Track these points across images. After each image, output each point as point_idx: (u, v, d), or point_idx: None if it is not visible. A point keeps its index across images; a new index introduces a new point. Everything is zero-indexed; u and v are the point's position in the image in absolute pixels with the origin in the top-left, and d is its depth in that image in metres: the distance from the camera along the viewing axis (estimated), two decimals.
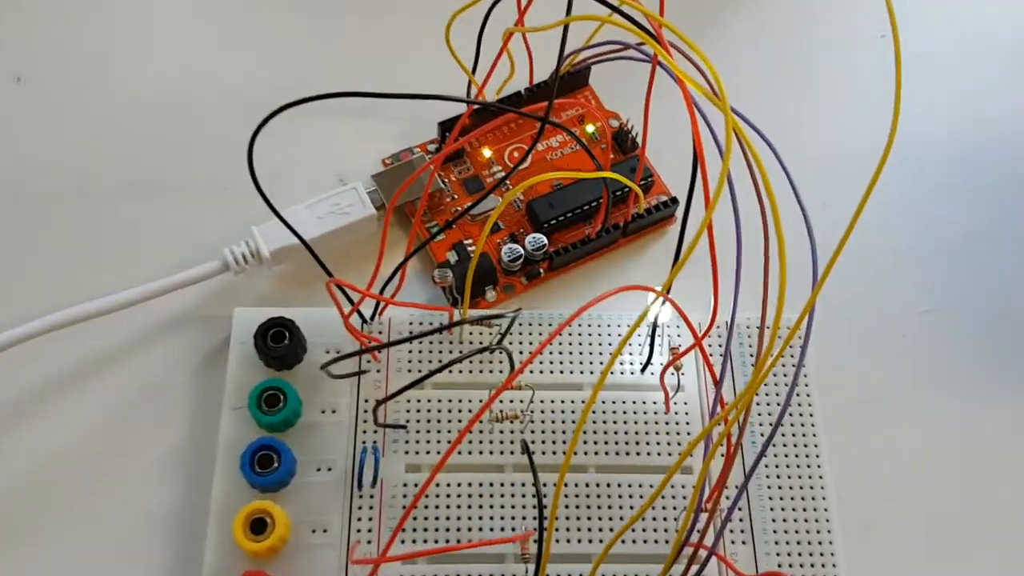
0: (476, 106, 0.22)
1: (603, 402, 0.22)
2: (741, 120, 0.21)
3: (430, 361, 0.22)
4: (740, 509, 0.21)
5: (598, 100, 0.27)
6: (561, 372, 0.22)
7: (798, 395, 0.22)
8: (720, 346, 0.23)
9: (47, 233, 0.24)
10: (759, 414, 0.22)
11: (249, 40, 0.28)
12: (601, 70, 0.27)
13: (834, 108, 0.28)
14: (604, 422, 0.22)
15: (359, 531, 0.20)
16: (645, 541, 0.21)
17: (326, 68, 0.27)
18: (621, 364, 0.23)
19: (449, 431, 0.21)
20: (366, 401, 0.22)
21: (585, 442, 0.22)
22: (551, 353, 0.23)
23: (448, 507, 0.21)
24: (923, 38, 0.29)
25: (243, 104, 0.26)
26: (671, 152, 0.26)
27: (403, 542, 0.20)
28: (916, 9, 0.29)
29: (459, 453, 0.21)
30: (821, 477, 0.21)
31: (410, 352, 0.22)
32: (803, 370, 0.22)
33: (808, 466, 0.21)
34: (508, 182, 0.25)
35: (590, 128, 0.26)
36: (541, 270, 0.24)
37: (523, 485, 0.21)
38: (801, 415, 0.22)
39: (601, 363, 0.23)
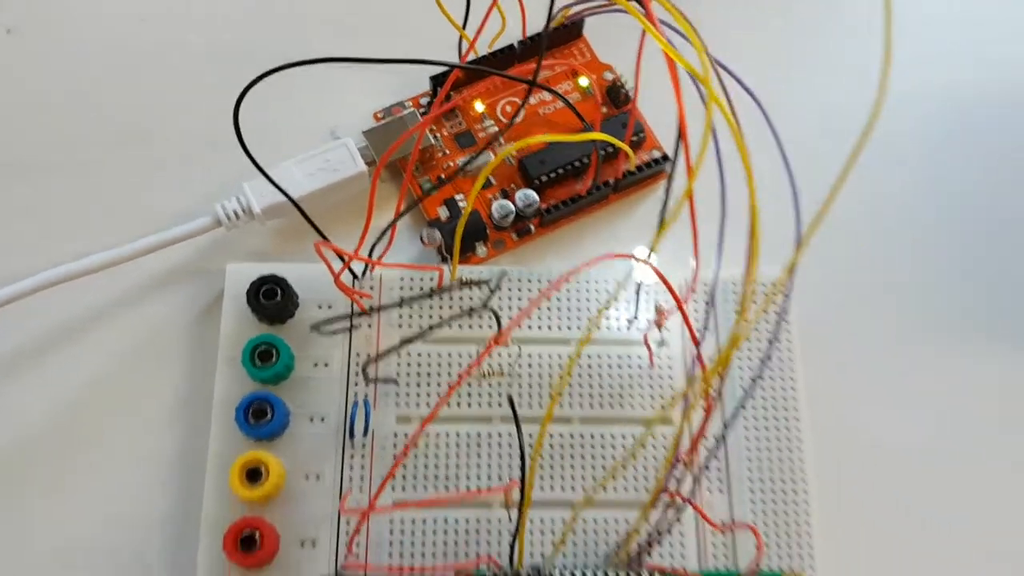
0: (465, 69, 0.22)
1: (588, 356, 0.23)
2: (730, 76, 0.21)
3: (420, 316, 0.23)
4: (718, 460, 0.22)
5: (592, 53, 0.27)
6: (548, 328, 0.23)
7: (780, 351, 0.22)
8: (707, 303, 0.23)
9: (37, 189, 0.24)
10: (742, 367, 0.22)
11: None
12: (596, 22, 0.26)
13: (828, 57, 0.28)
14: (590, 376, 0.22)
15: (351, 479, 0.21)
16: (625, 489, 0.21)
17: (317, 21, 0.27)
18: (607, 320, 0.23)
19: (439, 384, 0.22)
20: (358, 355, 0.22)
21: (571, 395, 0.22)
22: (539, 310, 0.23)
23: (437, 456, 0.21)
24: None
25: (233, 57, 0.26)
26: (666, 106, 0.26)
27: (393, 489, 0.21)
28: None
29: (448, 406, 0.22)
30: (799, 431, 0.22)
31: (401, 310, 0.23)
32: (785, 325, 0.23)
33: (787, 419, 0.22)
34: (501, 139, 0.25)
35: (584, 81, 0.26)
36: (532, 227, 0.24)
37: (509, 436, 0.22)
38: (782, 370, 0.22)
39: (588, 319, 0.23)
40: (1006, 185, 0.26)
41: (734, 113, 0.20)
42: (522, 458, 0.19)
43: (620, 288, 0.21)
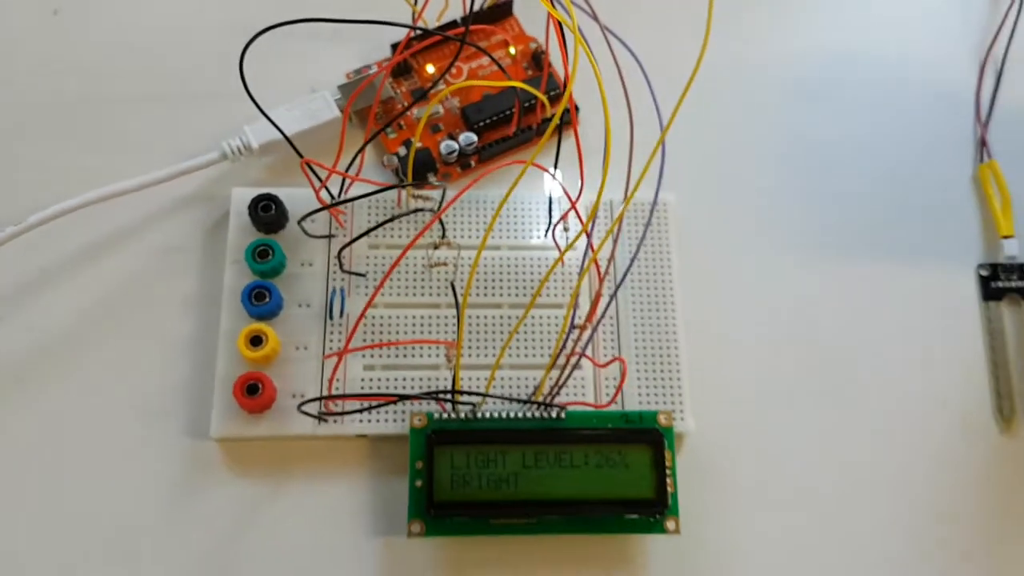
0: (416, 31, 0.28)
1: (516, 258, 0.29)
2: (613, 36, 0.27)
3: (385, 228, 0.29)
4: (611, 319, 0.28)
5: (520, 28, 0.33)
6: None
7: (657, 220, 0.29)
8: (606, 217, 0.30)
9: (86, 133, 0.31)
10: (631, 245, 0.29)
11: None
12: (523, 2, 0.33)
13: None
14: (516, 272, 0.29)
15: (330, 347, 0.27)
16: (542, 355, 0.28)
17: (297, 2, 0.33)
18: (529, 229, 0.30)
19: (397, 278, 0.28)
20: (335, 257, 0.29)
21: (501, 286, 0.29)
22: (477, 221, 0.29)
23: (397, 331, 0.28)
24: None
25: (234, 29, 0.32)
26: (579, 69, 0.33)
27: (363, 356, 0.27)
28: None
29: (405, 295, 0.28)
30: (673, 301, 0.29)
31: (369, 221, 0.29)
32: (662, 207, 0.30)
33: (662, 287, 0.29)
34: (444, 86, 0.31)
35: (513, 50, 0.33)
36: (472, 162, 0.31)
37: (453, 317, 0.28)
38: (658, 249, 0.29)
39: (512, 229, 0.29)
40: (846, 118, 0.33)
41: (618, 66, 0.27)
42: (459, 327, 0.26)
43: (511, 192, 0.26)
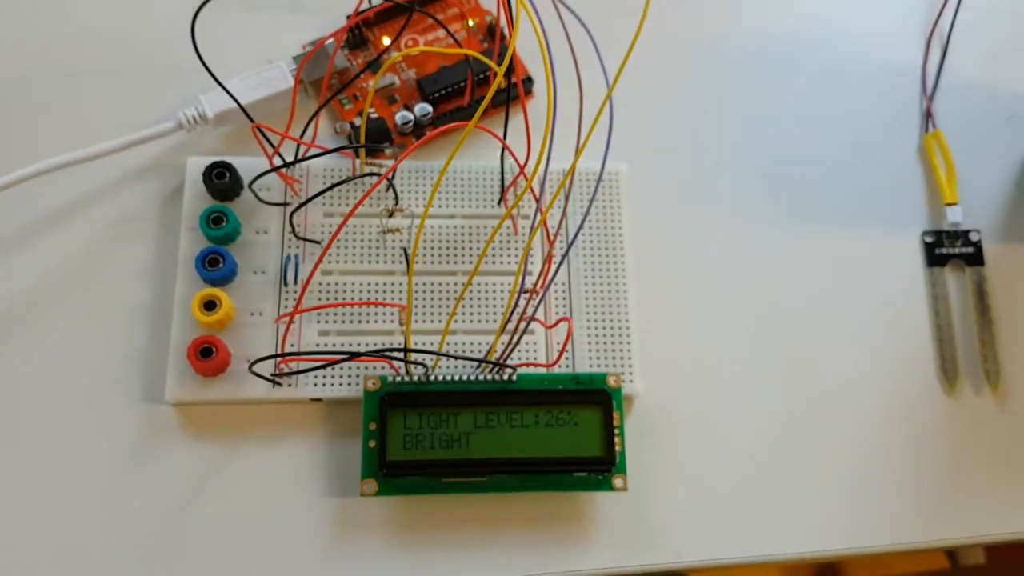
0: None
1: (471, 226, 0.30)
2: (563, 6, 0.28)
3: (339, 197, 0.29)
4: (562, 286, 0.29)
5: (476, 1, 0.34)
6: (438, 206, 0.30)
7: (608, 200, 0.30)
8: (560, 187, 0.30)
9: (43, 105, 0.31)
10: (582, 203, 0.29)
11: None
12: None
13: None
14: (470, 240, 0.29)
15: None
16: (495, 321, 0.28)
17: None
18: (484, 198, 0.30)
19: (352, 246, 0.29)
20: (289, 223, 0.29)
21: (456, 253, 0.29)
22: (428, 190, 0.30)
23: (352, 297, 0.28)
24: None
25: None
26: (533, 42, 0.33)
27: (317, 322, 0.28)
28: None
29: (360, 262, 0.29)
30: (623, 267, 0.29)
31: (324, 186, 0.30)
32: (612, 172, 0.30)
33: (613, 253, 0.29)
34: (393, 53, 0.32)
35: (471, 23, 0.33)
36: (428, 132, 0.31)
37: (405, 284, 0.29)
38: (610, 216, 0.30)
39: (467, 198, 0.30)
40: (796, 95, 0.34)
41: (568, 37, 0.28)
42: (409, 289, 0.26)
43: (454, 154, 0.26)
